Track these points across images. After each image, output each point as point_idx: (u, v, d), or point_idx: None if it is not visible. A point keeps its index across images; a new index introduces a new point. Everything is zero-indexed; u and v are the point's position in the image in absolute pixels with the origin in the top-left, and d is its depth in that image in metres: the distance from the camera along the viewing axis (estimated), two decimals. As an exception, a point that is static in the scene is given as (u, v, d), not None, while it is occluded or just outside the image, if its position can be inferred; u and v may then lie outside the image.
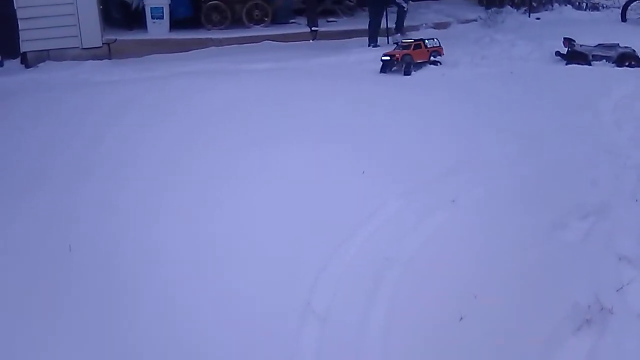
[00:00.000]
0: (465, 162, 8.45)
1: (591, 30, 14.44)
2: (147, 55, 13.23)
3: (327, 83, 11.47)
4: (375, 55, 13.17)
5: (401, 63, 11.91)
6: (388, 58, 11.72)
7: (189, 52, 13.42)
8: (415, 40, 12.46)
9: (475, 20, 15.99)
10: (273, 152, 8.88)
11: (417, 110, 10.22)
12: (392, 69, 12.07)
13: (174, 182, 8.20)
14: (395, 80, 11.72)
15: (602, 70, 12.49)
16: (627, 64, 12.58)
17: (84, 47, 13.32)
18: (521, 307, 6.23)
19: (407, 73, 11.90)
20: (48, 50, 13.11)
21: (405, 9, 14.39)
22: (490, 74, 12.19)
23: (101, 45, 13.47)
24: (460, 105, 10.37)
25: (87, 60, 13.09)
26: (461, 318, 6.06)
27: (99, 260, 6.83)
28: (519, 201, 7.72)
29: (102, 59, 13.10)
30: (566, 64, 12.87)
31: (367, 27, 13.69)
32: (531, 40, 14.54)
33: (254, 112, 10.07)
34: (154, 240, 7.15)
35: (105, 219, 7.51)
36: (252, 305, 6.25)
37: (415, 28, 15.32)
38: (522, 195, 7.83)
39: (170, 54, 13.23)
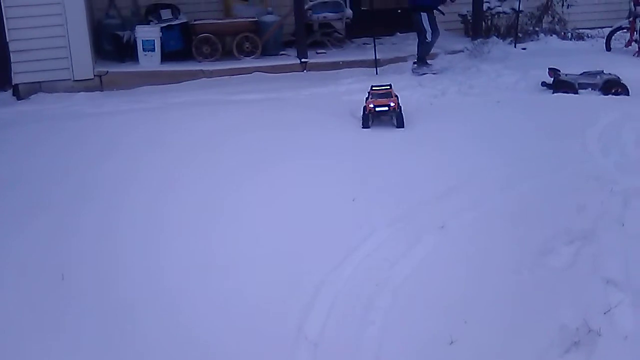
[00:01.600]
0: (454, 188, 8.57)
1: (577, 60, 14.67)
2: (139, 87, 13.34)
3: (316, 113, 11.59)
4: (367, 86, 13.39)
5: (392, 114, 10.81)
6: (385, 108, 10.77)
7: (180, 83, 13.57)
8: (387, 87, 11.10)
9: (462, 51, 16.22)
10: (262, 180, 9.00)
11: (405, 138, 10.37)
12: (371, 123, 10.77)
13: (169, 209, 8.29)
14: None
15: (587, 98, 12.68)
16: (613, 91, 12.77)
17: (75, 79, 13.43)
18: (510, 331, 6.32)
19: (400, 124, 10.72)
20: (40, 82, 13.21)
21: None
22: (477, 102, 12.38)
23: (93, 77, 13.58)
24: (448, 133, 10.51)
25: (79, 92, 13.19)
26: (451, 342, 6.13)
27: (94, 287, 6.92)
28: (506, 226, 7.83)
29: (93, 91, 13.21)
30: (553, 93, 13.09)
31: (419, 47, 14.18)
32: (517, 70, 14.77)
33: (245, 141, 10.19)
34: (150, 265, 7.25)
35: (103, 245, 7.60)
36: (246, 332, 6.30)
37: (403, 59, 15.53)
38: (509, 221, 7.94)
39: (161, 86, 13.35)
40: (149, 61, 14.27)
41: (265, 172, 9.19)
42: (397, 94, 11.06)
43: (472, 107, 12.07)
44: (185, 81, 13.75)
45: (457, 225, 7.84)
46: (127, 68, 14.21)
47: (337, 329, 6.33)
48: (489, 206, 8.25)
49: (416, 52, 14.81)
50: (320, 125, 10.85)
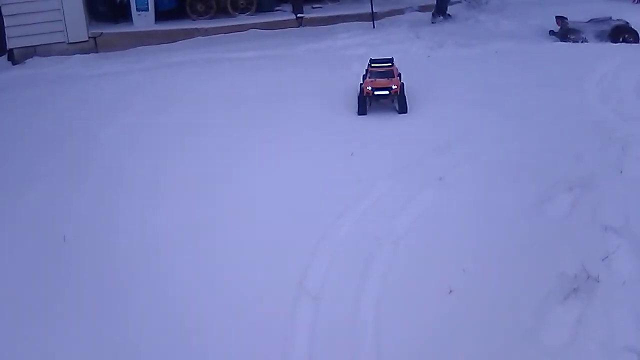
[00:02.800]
0: (452, 142, 8.55)
1: (578, 8, 14.33)
2: (134, 47, 13.23)
3: (314, 70, 11.52)
4: (364, 40, 13.31)
5: (394, 97, 9.44)
6: (386, 92, 9.33)
7: (175, 43, 13.44)
8: (388, 62, 9.88)
9: (460, 2, 16.01)
10: (263, 138, 9.00)
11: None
12: (368, 107, 9.55)
13: (173, 168, 8.37)
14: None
15: (586, 46, 12.56)
16: (622, 38, 12.47)
17: (70, 41, 13.31)
18: (509, 279, 6.36)
19: (403, 109, 9.49)
20: (35, 46, 13.08)
21: None
22: (475, 54, 12.27)
23: (87, 39, 13.45)
24: (445, 86, 10.45)
25: (73, 54, 13.09)
26: (450, 291, 6.19)
27: (94, 250, 6.98)
28: (505, 177, 7.83)
29: (88, 53, 13.10)
30: (561, 41, 12.92)
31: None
32: (515, 19, 14.60)
33: (243, 101, 10.15)
34: (153, 226, 7.30)
35: (102, 210, 7.66)
36: (248, 287, 6.39)
37: (400, 12, 15.36)
38: (508, 171, 7.94)
39: (156, 46, 13.24)
40: (143, 21, 14.14)
41: (265, 131, 9.19)
42: (399, 71, 9.96)
43: (470, 59, 11.97)
44: (180, 40, 13.62)
45: (456, 178, 7.84)
46: (122, 29, 14.07)
47: (338, 283, 6.38)
48: (486, 158, 8.24)
49: (435, 3, 14.77)
50: (316, 84, 10.79)
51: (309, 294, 6.26)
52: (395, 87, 9.46)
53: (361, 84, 9.84)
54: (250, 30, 14.09)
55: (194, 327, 5.98)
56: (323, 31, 14.13)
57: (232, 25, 14.25)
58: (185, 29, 14.10)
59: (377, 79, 9.49)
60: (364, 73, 10.03)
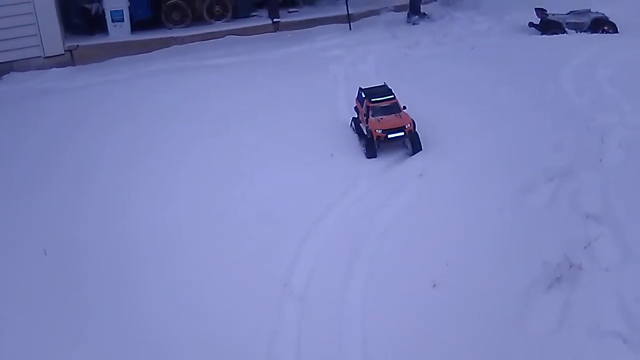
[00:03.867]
0: (431, 138, 8.57)
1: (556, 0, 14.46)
2: (110, 58, 13.14)
3: (291, 73, 11.53)
4: (341, 42, 13.30)
5: (407, 137, 8.35)
6: (400, 134, 8.28)
7: (152, 52, 13.39)
8: (388, 93, 8.71)
9: (435, 0, 16.06)
10: (242, 139, 9.01)
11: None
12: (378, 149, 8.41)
13: (143, 173, 8.34)
14: (357, 64, 11.83)
15: (562, 38, 12.64)
16: (601, 29, 12.55)
17: (46, 55, 13.19)
18: (493, 271, 6.40)
19: (417, 148, 8.36)
20: (11, 61, 12.96)
21: None
22: (451, 51, 12.32)
23: (63, 52, 13.34)
24: (422, 83, 10.48)
25: (50, 68, 12.98)
26: (434, 285, 6.23)
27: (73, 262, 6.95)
28: (485, 170, 7.87)
29: (65, 66, 13.00)
30: (541, 35, 13.03)
31: None
32: (491, 15, 14.63)
33: (219, 104, 10.14)
34: (121, 236, 7.28)
35: (75, 219, 7.64)
36: (233, 289, 6.41)
37: (376, 12, 15.37)
38: (488, 164, 7.99)
39: (133, 56, 13.15)
40: (119, 32, 14.04)
41: (244, 132, 9.21)
42: (404, 105, 8.67)
43: (446, 56, 12.01)
44: (156, 50, 13.53)
45: (436, 173, 7.87)
46: (98, 40, 13.96)
47: (322, 282, 6.40)
48: (466, 152, 8.27)
49: (409, 2, 14.79)
50: (293, 85, 10.82)
51: (294, 294, 6.27)
52: (409, 125, 8.51)
53: (355, 118, 9.00)
54: (227, 36, 14.05)
55: (180, 327, 6.00)
56: (300, 35, 14.12)
57: (208, 33, 14.18)
58: (162, 38, 14.02)
59: (384, 118, 8.28)
60: (356, 104, 9.08)
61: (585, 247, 6.61)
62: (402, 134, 8.24)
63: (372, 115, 8.38)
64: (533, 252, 6.54)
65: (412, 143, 8.31)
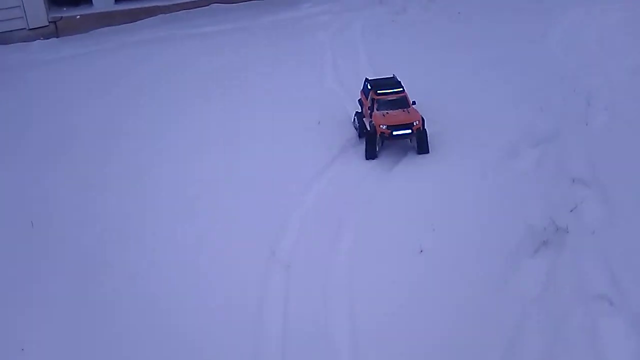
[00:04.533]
0: (417, 103, 8.53)
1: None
2: (95, 29, 12.97)
3: (277, 40, 11.43)
4: (327, 8, 13.15)
5: (414, 135, 7.64)
6: (407, 131, 7.53)
7: (137, 22, 13.22)
8: (397, 85, 7.96)
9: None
10: (231, 109, 8.97)
11: (368, 55, 10.34)
12: (379, 148, 7.72)
13: (148, 146, 8.30)
14: (343, 31, 11.72)
15: (549, 1, 12.52)
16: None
17: (30, 27, 13.01)
18: (479, 236, 6.41)
19: (424, 149, 7.67)
20: (-5, 34, 12.82)
21: None
22: (438, 16, 12.18)
23: (48, 24, 13.15)
24: (410, 48, 10.43)
25: (34, 40, 12.82)
26: (421, 250, 6.25)
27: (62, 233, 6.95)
28: (471, 134, 7.86)
29: (49, 38, 12.83)
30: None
31: None
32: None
33: (204, 74, 10.08)
34: (109, 208, 7.26)
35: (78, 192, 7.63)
36: (222, 257, 6.41)
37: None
38: (474, 128, 7.97)
39: (118, 26, 12.99)
40: (103, 2, 13.85)
41: (230, 103, 9.16)
42: (414, 100, 8.00)
43: (434, 20, 11.90)
44: (142, 19, 13.40)
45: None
46: (82, 11, 13.76)
47: (309, 249, 6.40)
48: (452, 116, 8.25)
49: None
50: (279, 54, 10.76)
51: (281, 262, 6.27)
52: (417, 123, 7.83)
53: (358, 113, 8.31)
54: (212, 4, 13.88)
55: (170, 297, 6.01)
56: (286, 2, 13.97)
57: (193, 1, 14.01)
58: (147, 7, 13.82)
59: (391, 112, 7.63)
60: (360, 96, 8.47)
61: (571, 211, 6.63)
62: (409, 131, 7.56)
63: (377, 109, 7.74)
64: (519, 217, 6.55)
65: (419, 143, 7.63)
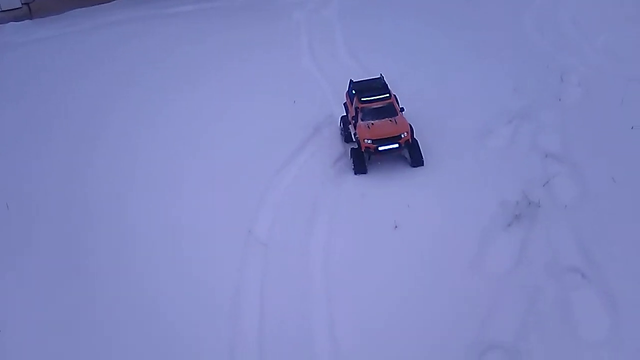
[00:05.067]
0: (393, 84, 8.56)
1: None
2: (69, 10, 12.84)
3: (252, 20, 11.38)
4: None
5: (403, 148, 7.12)
6: (394, 146, 7.00)
7: (112, 2, 13.09)
8: (384, 90, 7.40)
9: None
10: (207, 92, 8.95)
11: (347, 35, 10.35)
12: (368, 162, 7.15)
13: (108, 127, 8.31)
14: (320, 10, 11.61)
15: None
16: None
17: (2, 9, 12.86)
18: (452, 212, 6.48)
19: (418, 161, 7.12)
20: (-34, 17, 12.66)
21: None
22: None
23: (20, 5, 12.99)
24: (388, 29, 10.41)
25: (7, 22, 12.68)
26: (396, 226, 6.32)
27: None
28: (446, 112, 7.91)
29: (23, 20, 12.69)
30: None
31: None
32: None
33: (182, 54, 10.05)
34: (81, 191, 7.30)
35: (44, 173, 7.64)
36: (199, 236, 6.46)
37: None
38: (449, 107, 8.03)
39: (92, 7, 12.85)
40: (77, -17, 13.76)
41: (206, 84, 9.15)
42: (400, 103, 7.63)
43: (411, 2, 11.85)
44: None
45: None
46: (55, -8, 13.68)
47: (286, 228, 6.45)
48: (427, 96, 8.29)
49: None
50: (254, 33, 10.72)
51: (258, 241, 6.31)
52: (406, 134, 7.26)
53: (344, 117, 7.81)
54: (187, -16, 13.78)
55: (148, 275, 6.07)
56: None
57: (168, -19, 13.90)
58: (121, -12, 13.72)
59: (376, 124, 7.29)
60: (345, 99, 7.91)
61: (544, 185, 6.73)
62: (396, 145, 7.06)
63: (362, 119, 7.26)
64: (492, 192, 6.64)
65: (412, 155, 7.13)
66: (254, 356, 5.39)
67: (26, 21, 12.62)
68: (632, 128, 7.48)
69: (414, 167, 6.99)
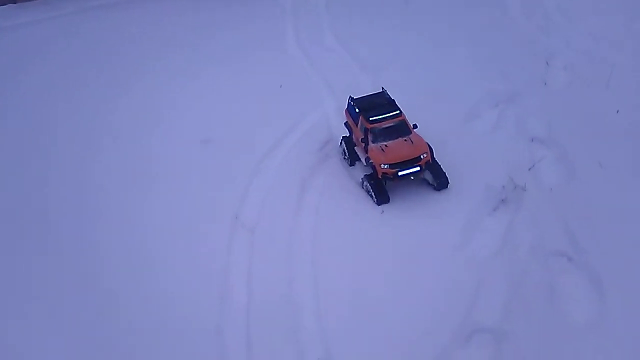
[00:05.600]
0: (380, 65, 8.58)
1: None
2: (53, -5, 12.71)
3: (234, 3, 11.30)
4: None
5: (424, 170, 6.58)
6: (416, 169, 6.57)
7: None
8: (392, 107, 6.99)
9: None
10: (197, 74, 9.00)
11: (331, 19, 10.36)
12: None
13: (106, 111, 8.35)
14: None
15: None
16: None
17: (-15, -6, 12.71)
18: (438, 198, 6.54)
19: (443, 184, 6.69)
20: (-51, 2, 12.48)
21: None
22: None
23: (5, -10, 12.86)
24: (372, 15, 10.37)
25: (-8, 7, 12.55)
26: (382, 211, 6.38)
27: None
28: (434, 97, 7.94)
29: (6, 4, 12.52)
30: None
31: None
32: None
33: (170, 41, 10.02)
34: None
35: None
36: (186, 219, 6.54)
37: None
38: (437, 92, 8.07)
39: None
40: (61, -33, 13.59)
41: (193, 69, 9.18)
42: (414, 124, 6.93)
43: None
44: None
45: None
46: (40, -23, 13.51)
47: (272, 213, 6.49)
48: (415, 81, 8.33)
49: None
50: (242, 16, 10.67)
51: (245, 227, 6.33)
52: (425, 155, 6.70)
53: (346, 137, 7.22)
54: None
55: (142, 262, 6.14)
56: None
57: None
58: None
59: (390, 145, 6.67)
60: (346, 117, 7.35)
61: (529, 169, 6.77)
62: (418, 169, 6.52)
63: (373, 141, 6.71)
64: (478, 177, 6.69)
65: (436, 176, 6.62)
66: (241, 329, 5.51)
67: (10, 5, 12.47)
68: (617, 112, 7.55)
69: (439, 190, 6.50)
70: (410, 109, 7.63)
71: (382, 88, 7.07)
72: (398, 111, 6.49)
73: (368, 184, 6.14)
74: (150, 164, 7.38)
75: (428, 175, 6.39)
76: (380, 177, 6.14)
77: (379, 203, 6.20)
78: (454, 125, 7.43)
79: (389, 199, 6.24)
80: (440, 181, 6.32)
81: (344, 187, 6.71)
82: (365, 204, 6.42)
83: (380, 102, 6.68)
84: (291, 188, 6.77)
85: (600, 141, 7.13)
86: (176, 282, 5.86)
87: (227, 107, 8.22)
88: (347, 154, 6.75)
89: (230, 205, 6.61)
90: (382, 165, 6.12)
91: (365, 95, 7.11)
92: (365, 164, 6.49)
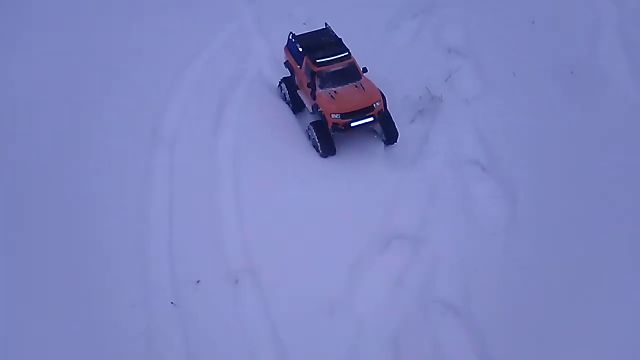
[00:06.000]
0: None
1: None
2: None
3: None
4: None
5: (377, 120, 6.17)
6: (369, 120, 6.01)
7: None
8: (339, 47, 6.34)
9: None
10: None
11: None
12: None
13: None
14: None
15: None
16: None
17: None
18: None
19: (392, 138, 6.31)
20: None
21: None
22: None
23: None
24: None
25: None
26: (307, 129, 6.31)
27: None
28: (351, 14, 7.83)
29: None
30: None
31: None
32: None
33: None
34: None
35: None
36: (108, 133, 6.43)
37: None
38: (353, 7, 8.02)
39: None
40: None
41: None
42: (363, 67, 6.44)
43: None
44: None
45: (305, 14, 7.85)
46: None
47: (191, 129, 6.45)
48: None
49: None
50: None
51: (164, 141, 6.29)
52: (379, 103, 6.22)
53: (287, 78, 6.68)
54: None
55: (62, 180, 6.03)
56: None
57: None
58: None
59: (340, 92, 6.12)
60: (286, 56, 6.76)
61: (446, 80, 6.89)
62: (372, 119, 6.06)
63: (320, 86, 6.17)
64: (396, 88, 6.73)
65: (385, 129, 6.23)
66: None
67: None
68: (532, 22, 7.66)
69: (388, 144, 6.15)
70: (327, 20, 7.67)
71: (326, 24, 6.48)
72: (347, 52, 5.93)
73: (315, 134, 5.69)
74: (66, 83, 7.20)
75: (378, 127, 5.99)
76: (330, 126, 5.66)
77: (324, 155, 5.81)
78: (373, 38, 7.41)
79: (336, 151, 5.85)
80: (389, 135, 5.94)
81: (263, 100, 6.70)
82: (285, 118, 6.44)
83: (327, 41, 6.12)
84: (209, 101, 6.73)
85: (515, 51, 7.24)
86: (100, 201, 5.79)
87: (153, 14, 8.09)
88: (289, 97, 6.18)
89: (148, 120, 6.52)
90: (333, 115, 5.66)
91: (309, 32, 6.55)
92: (311, 112, 6.00)
